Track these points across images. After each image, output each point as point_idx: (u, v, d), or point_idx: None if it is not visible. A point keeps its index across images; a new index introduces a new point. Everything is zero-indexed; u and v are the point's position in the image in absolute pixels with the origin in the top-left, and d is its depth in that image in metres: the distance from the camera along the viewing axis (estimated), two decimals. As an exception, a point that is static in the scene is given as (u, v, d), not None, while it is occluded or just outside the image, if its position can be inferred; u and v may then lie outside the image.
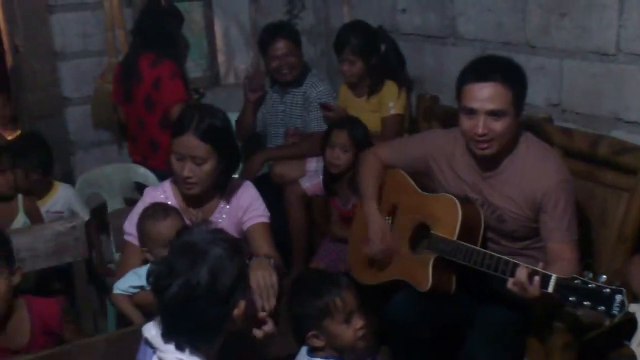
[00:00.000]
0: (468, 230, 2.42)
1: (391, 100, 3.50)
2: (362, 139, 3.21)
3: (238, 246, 1.81)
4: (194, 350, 1.72)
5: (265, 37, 3.74)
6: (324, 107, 3.60)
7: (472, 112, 2.34)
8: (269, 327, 2.02)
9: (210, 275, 1.68)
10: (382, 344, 2.61)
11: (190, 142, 2.40)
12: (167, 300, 1.70)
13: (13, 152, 3.26)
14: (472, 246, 2.35)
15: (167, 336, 1.74)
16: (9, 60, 4.03)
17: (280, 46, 3.65)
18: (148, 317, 2.24)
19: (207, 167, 2.44)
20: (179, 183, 2.50)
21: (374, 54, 3.53)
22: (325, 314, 2.03)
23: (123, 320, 2.52)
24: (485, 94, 2.32)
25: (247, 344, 2.04)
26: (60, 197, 3.44)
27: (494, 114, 2.32)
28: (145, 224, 2.39)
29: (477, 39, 3.37)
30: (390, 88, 3.53)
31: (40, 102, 3.91)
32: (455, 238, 2.39)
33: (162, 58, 3.66)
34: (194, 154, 2.41)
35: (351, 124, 3.27)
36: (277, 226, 2.70)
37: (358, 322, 2.05)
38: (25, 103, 3.94)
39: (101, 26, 3.95)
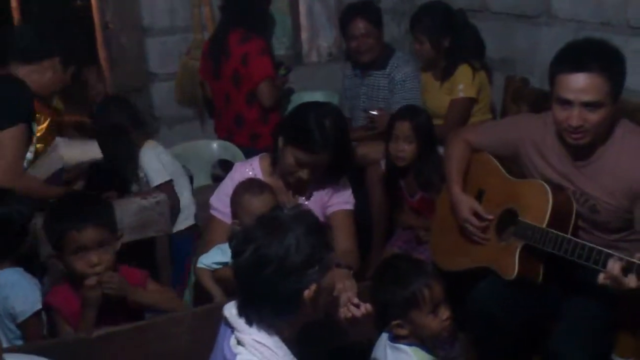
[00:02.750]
0: (559, 218, 2.33)
1: (462, 83, 3.43)
2: (426, 129, 3.09)
3: (319, 229, 1.81)
4: (264, 326, 1.73)
5: (345, 16, 3.75)
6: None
7: (566, 102, 2.25)
8: (366, 307, 2.00)
9: (282, 248, 1.70)
10: (461, 330, 2.57)
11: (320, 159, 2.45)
12: (239, 265, 1.74)
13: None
14: (563, 234, 2.26)
15: (241, 309, 1.76)
16: (99, 36, 4.12)
17: (359, 26, 3.64)
18: (228, 294, 2.27)
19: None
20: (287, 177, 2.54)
21: (445, 36, 3.46)
22: (412, 304, 1.99)
23: (200, 293, 2.55)
24: (581, 85, 2.21)
25: (326, 330, 2.02)
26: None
27: (590, 105, 2.21)
28: (240, 196, 2.44)
29: (573, 18, 3.24)
30: (463, 71, 3.46)
31: (128, 77, 4.01)
32: (544, 226, 2.31)
33: (251, 34, 3.68)
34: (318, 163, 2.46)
35: (414, 113, 3.16)
36: (358, 207, 2.70)
37: (444, 313, 2.01)
38: (113, 78, 4.03)
39: (187, 3, 4.01)
